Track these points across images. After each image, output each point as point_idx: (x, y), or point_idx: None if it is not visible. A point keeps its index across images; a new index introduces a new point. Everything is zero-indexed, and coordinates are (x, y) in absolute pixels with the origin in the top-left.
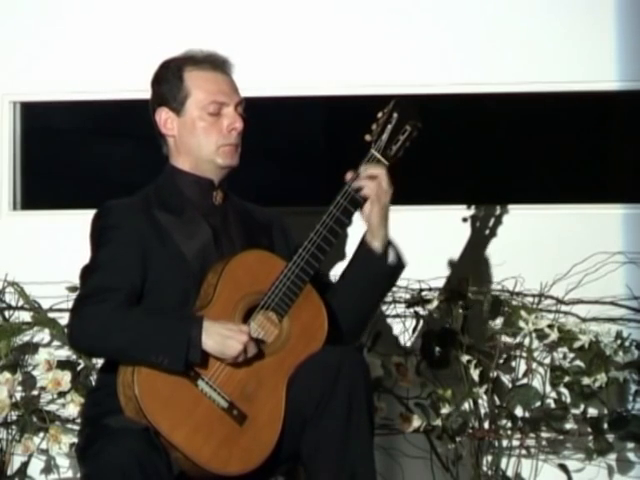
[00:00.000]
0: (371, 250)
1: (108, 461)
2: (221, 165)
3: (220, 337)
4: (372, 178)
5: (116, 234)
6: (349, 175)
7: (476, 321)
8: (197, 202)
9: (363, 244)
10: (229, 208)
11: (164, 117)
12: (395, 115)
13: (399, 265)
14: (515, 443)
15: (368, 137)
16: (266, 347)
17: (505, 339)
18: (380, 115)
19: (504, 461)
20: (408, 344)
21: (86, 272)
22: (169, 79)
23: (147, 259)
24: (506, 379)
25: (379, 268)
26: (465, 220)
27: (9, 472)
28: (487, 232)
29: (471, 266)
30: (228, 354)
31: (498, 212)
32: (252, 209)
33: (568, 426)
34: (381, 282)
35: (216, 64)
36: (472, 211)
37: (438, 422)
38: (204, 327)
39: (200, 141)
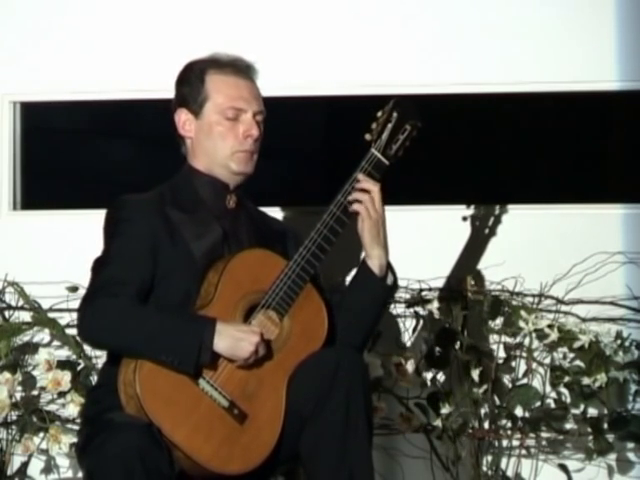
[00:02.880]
0: (368, 269)
1: (110, 454)
2: (234, 171)
3: (232, 339)
4: (365, 192)
5: (128, 227)
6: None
7: (476, 321)
8: (210, 203)
9: (363, 262)
10: (242, 213)
11: (183, 118)
12: (395, 114)
13: (394, 286)
14: (515, 443)
15: (368, 136)
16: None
17: (505, 339)
18: (380, 114)
19: (504, 461)
20: (408, 344)
21: (98, 264)
22: (191, 81)
23: (156, 254)
24: (506, 379)
25: (374, 289)
26: (465, 220)
27: (9, 472)
28: (487, 232)
29: (471, 266)
30: (240, 356)
31: (498, 212)
32: (268, 218)
33: (568, 426)
34: (376, 302)
35: (239, 69)
36: (472, 211)
37: (438, 422)
38: (217, 329)
39: (216, 145)
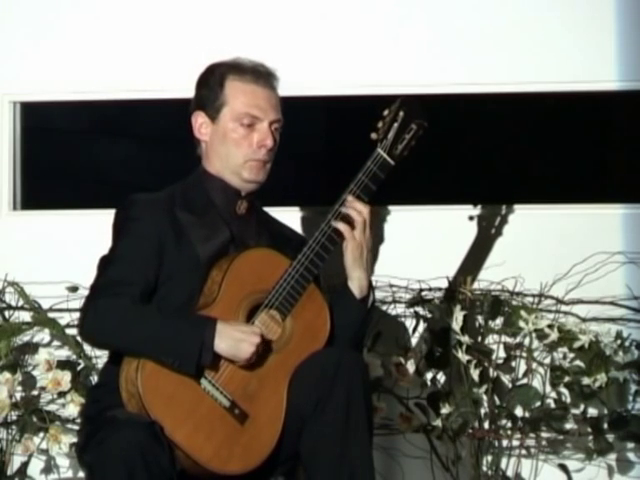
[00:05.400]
0: (348, 291)
1: (112, 450)
2: (245, 179)
3: (233, 340)
4: (357, 211)
5: (136, 227)
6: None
7: (476, 321)
8: (221, 207)
9: (344, 283)
10: (253, 219)
11: (199, 121)
12: (401, 114)
13: (373, 306)
14: (515, 443)
15: (374, 135)
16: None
17: (505, 339)
18: (386, 113)
19: (504, 461)
20: (408, 344)
21: (103, 263)
22: (210, 84)
23: (162, 255)
24: (506, 379)
25: (353, 310)
26: (465, 220)
27: (9, 472)
28: (487, 232)
29: (471, 266)
30: (241, 357)
31: (498, 212)
32: (280, 225)
33: (568, 426)
34: (355, 323)
35: (259, 76)
36: (472, 211)
37: (438, 422)
38: (217, 330)
39: (230, 152)
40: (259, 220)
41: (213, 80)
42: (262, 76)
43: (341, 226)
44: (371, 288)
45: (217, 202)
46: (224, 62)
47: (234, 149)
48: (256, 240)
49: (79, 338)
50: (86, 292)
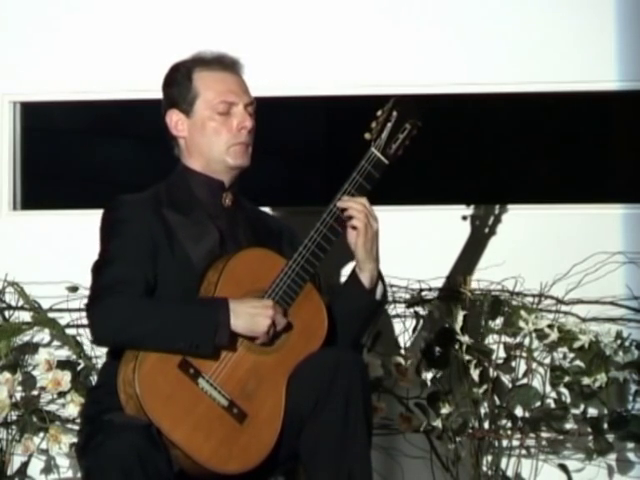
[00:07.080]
0: (358, 282)
1: (109, 454)
2: (231, 165)
3: (248, 316)
4: (359, 207)
5: (127, 228)
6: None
7: (476, 321)
8: (206, 203)
9: (353, 273)
10: (238, 211)
11: (175, 119)
12: (395, 113)
13: (383, 298)
14: (515, 443)
15: (368, 135)
16: (267, 346)
17: (505, 339)
18: (380, 113)
19: (504, 461)
20: (408, 344)
21: (99, 265)
22: (179, 81)
23: (156, 256)
24: (506, 379)
25: (363, 301)
26: (465, 220)
27: (9, 472)
28: (487, 232)
29: (471, 266)
30: (258, 331)
31: (498, 212)
32: (264, 215)
33: (568, 426)
34: (364, 314)
35: (225, 64)
36: (472, 211)
37: (438, 422)
38: (231, 308)
39: (210, 141)
40: (245, 212)
41: (180, 76)
42: (228, 64)
43: (355, 222)
44: (381, 279)
45: (202, 198)
46: (186, 58)
47: (215, 137)
48: (244, 234)
49: (79, 338)
50: (86, 292)
